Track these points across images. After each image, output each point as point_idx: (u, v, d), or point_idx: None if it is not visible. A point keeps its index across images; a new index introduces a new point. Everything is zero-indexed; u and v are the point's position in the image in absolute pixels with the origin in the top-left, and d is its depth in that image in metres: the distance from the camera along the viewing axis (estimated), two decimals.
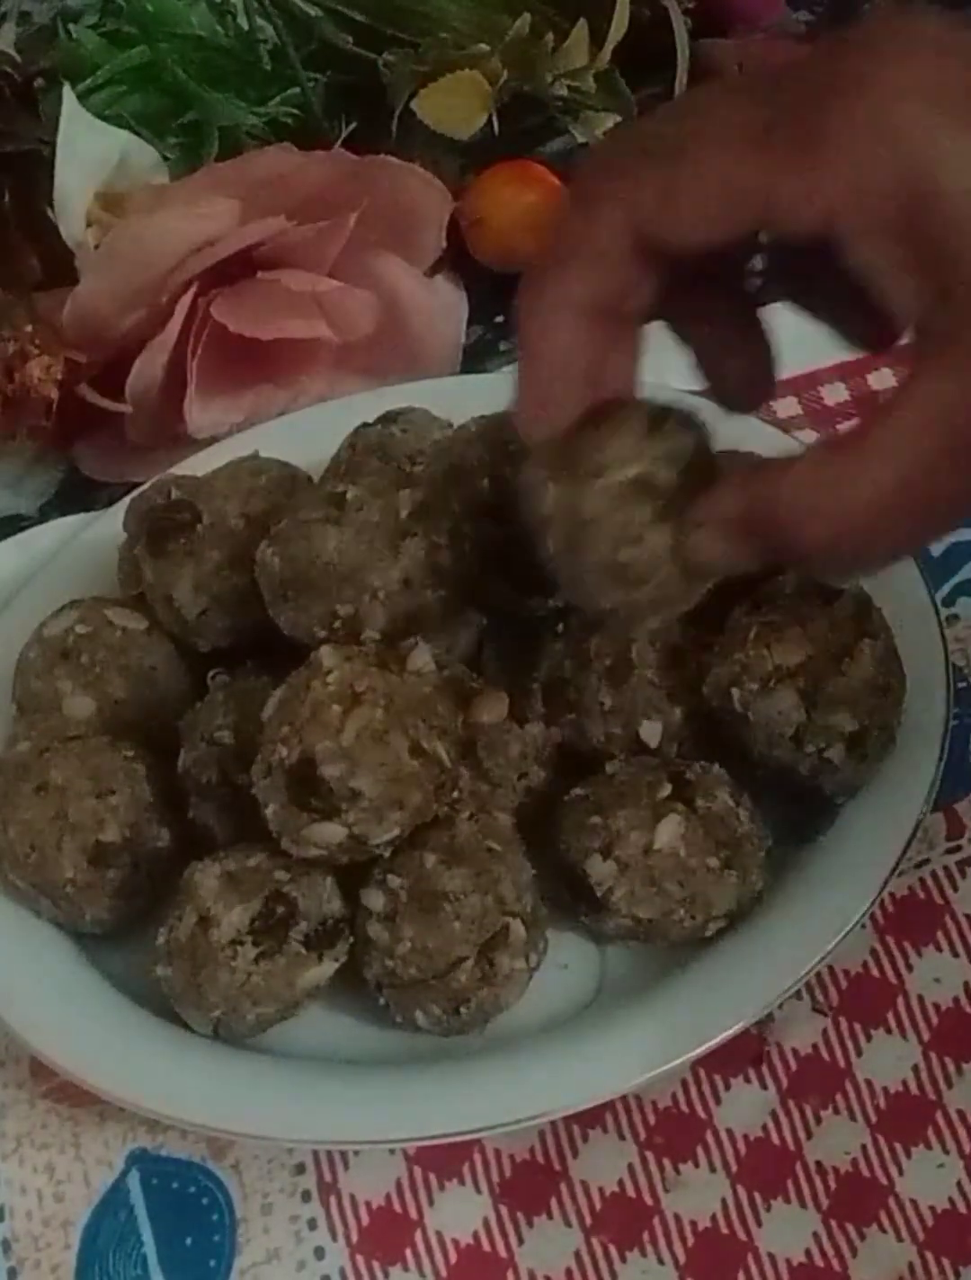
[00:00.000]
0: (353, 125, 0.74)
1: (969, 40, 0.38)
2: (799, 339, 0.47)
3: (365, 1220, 0.50)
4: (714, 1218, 0.49)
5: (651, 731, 0.52)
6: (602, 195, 0.42)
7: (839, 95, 0.37)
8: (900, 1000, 0.52)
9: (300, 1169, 0.51)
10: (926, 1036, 0.51)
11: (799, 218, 0.38)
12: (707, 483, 0.45)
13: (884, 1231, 0.49)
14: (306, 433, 0.63)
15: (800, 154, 0.37)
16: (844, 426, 0.38)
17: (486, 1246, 0.50)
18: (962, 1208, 0.49)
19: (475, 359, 0.71)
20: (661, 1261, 0.49)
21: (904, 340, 0.41)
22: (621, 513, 0.45)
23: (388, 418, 0.60)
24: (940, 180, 0.36)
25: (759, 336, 0.46)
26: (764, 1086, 0.51)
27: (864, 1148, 0.50)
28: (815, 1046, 0.51)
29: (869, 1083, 0.51)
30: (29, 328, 0.65)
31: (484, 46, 0.72)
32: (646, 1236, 0.49)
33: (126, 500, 0.61)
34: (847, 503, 0.40)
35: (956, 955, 0.52)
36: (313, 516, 0.51)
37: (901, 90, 0.36)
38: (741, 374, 0.46)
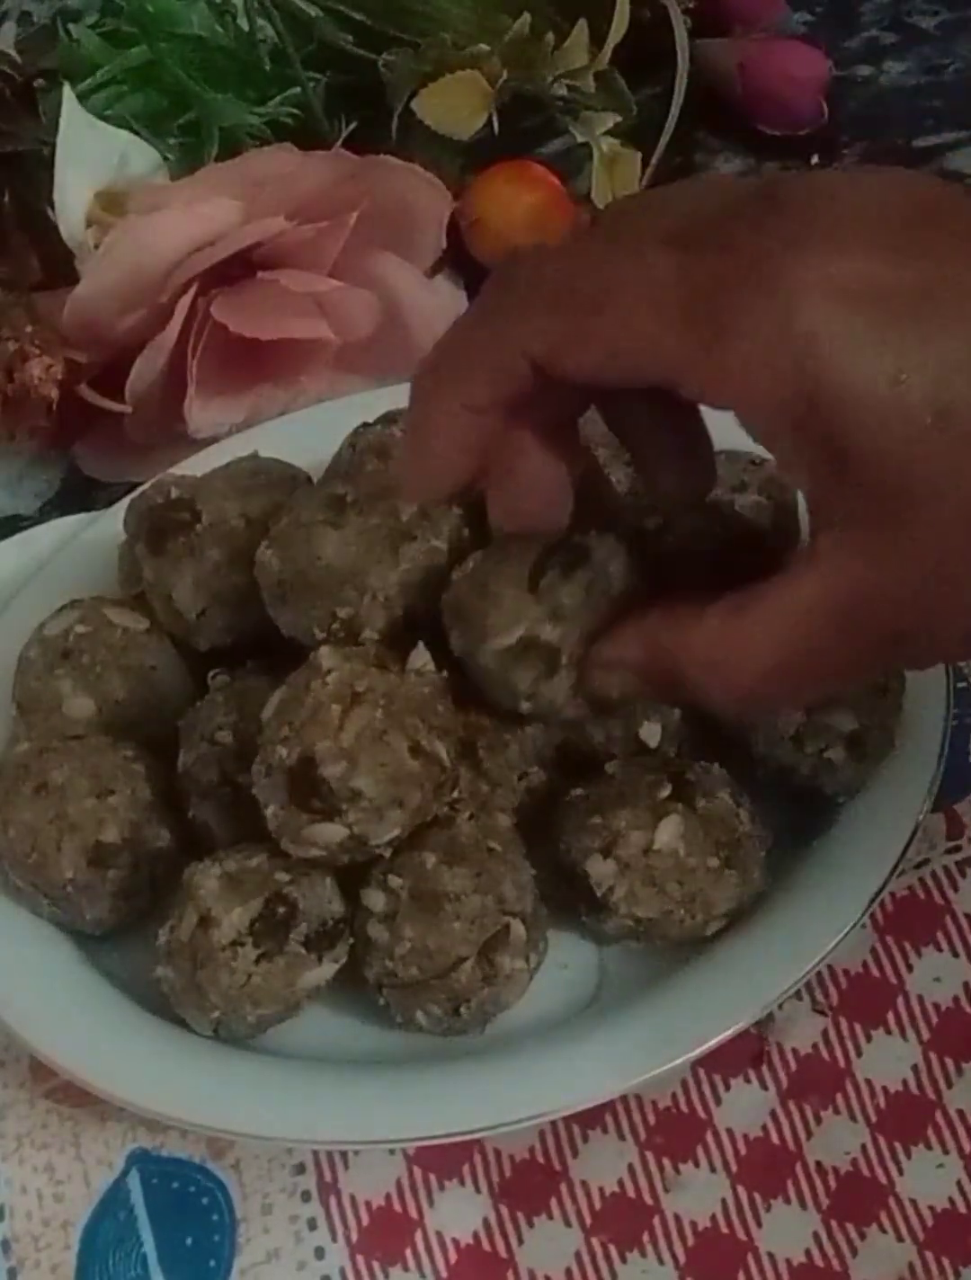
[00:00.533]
0: (353, 125, 0.74)
1: (890, 216, 0.38)
2: None
3: (365, 1220, 0.50)
4: (714, 1218, 0.49)
5: (651, 732, 0.52)
6: (510, 313, 0.42)
7: (754, 287, 0.38)
8: (900, 1000, 0.52)
9: (300, 1169, 0.51)
10: (926, 1036, 0.51)
11: (701, 396, 0.40)
12: (611, 610, 0.47)
13: (884, 1231, 0.49)
14: (306, 433, 0.63)
15: (710, 345, 0.38)
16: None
17: (486, 1246, 0.50)
18: (962, 1208, 0.49)
19: None
20: (661, 1261, 0.49)
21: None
22: (511, 673, 0.48)
23: (388, 418, 0.60)
24: (839, 389, 0.37)
25: (694, 439, 0.46)
26: (764, 1086, 0.51)
27: (864, 1148, 0.50)
28: (815, 1046, 0.52)
29: (869, 1083, 0.51)
30: (29, 328, 0.65)
31: (484, 46, 0.72)
32: (646, 1236, 0.49)
33: (126, 500, 0.61)
34: (743, 669, 0.42)
35: (956, 955, 0.53)
36: (313, 517, 0.51)
37: (812, 293, 0.37)
38: (675, 479, 0.47)
